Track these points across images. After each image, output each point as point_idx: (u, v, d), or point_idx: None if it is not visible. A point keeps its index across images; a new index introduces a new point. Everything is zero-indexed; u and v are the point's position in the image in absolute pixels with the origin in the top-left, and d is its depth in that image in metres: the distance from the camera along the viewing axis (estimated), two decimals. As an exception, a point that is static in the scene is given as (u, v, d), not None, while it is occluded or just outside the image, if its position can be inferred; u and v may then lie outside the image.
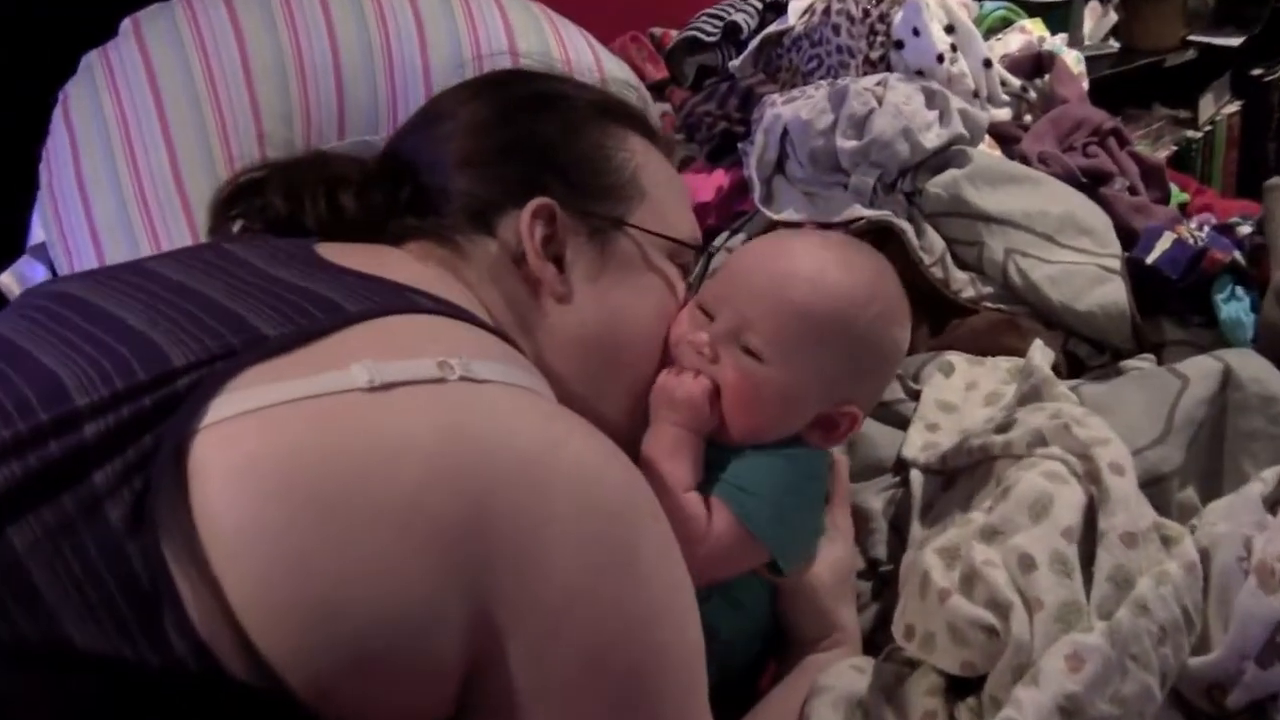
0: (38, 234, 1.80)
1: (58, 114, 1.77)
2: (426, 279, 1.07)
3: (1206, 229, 1.72)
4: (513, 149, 1.21)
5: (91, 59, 1.79)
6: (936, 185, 1.71)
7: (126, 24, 1.81)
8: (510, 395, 0.96)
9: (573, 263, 1.18)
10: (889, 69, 1.93)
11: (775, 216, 1.77)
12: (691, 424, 1.18)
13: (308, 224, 1.18)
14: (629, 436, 1.13)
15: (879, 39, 1.92)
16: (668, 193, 1.28)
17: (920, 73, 1.89)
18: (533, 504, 0.88)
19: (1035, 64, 2.13)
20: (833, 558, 1.26)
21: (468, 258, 1.16)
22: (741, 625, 1.24)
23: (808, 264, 1.22)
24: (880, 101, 1.74)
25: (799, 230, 1.45)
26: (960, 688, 1.10)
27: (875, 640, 1.27)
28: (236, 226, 1.23)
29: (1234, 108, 3.47)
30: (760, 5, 2.34)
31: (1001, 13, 2.34)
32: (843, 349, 1.20)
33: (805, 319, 1.18)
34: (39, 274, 1.79)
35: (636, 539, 0.93)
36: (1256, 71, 3.51)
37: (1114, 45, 3.12)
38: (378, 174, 1.24)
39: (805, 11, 2.11)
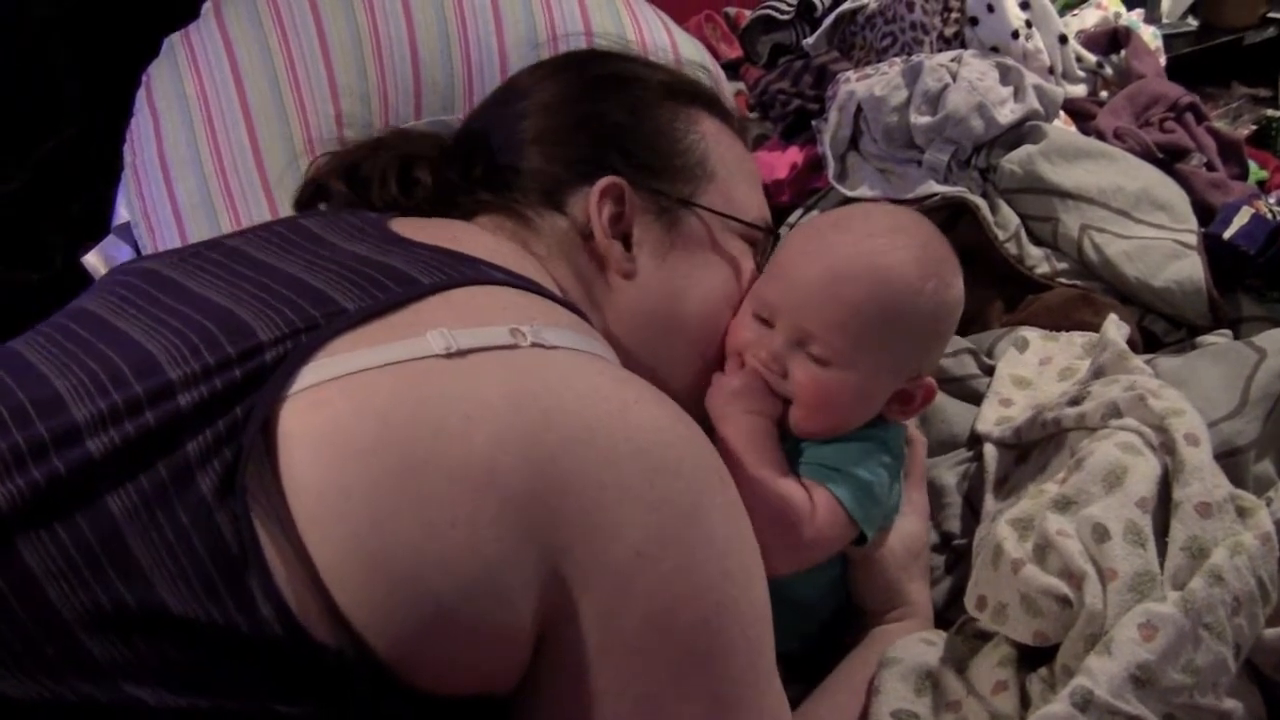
0: (122, 214, 1.83)
1: (141, 95, 1.80)
2: (499, 252, 1.10)
3: (1286, 204, 1.70)
4: (584, 128, 1.23)
5: (174, 41, 1.82)
6: (1011, 161, 1.71)
7: (208, 6, 1.83)
8: (580, 360, 0.97)
9: (640, 241, 1.20)
10: (963, 45, 1.91)
11: (849, 193, 1.78)
12: (759, 408, 1.18)
13: (375, 203, 1.22)
14: (692, 412, 1.14)
15: (953, 15, 1.91)
16: (738, 174, 1.29)
17: (995, 49, 1.87)
18: (601, 466, 0.89)
19: (1111, 40, 2.11)
20: (904, 531, 1.27)
21: (538, 232, 1.18)
22: (811, 589, 1.25)
23: (854, 257, 1.19)
24: (954, 77, 1.75)
25: (833, 212, 1.42)
26: (1032, 660, 1.10)
27: (948, 615, 1.27)
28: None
29: (1317, 85, 3.39)
30: (834, -18, 2.33)
31: (1077, -12, 2.32)
32: (908, 333, 1.20)
33: (864, 318, 1.17)
34: (124, 253, 1.83)
35: (704, 500, 0.94)
36: (1340, 49, 3.43)
37: (1192, 23, 3.07)
38: (454, 150, 1.27)
39: (879, -12, 2.10)
